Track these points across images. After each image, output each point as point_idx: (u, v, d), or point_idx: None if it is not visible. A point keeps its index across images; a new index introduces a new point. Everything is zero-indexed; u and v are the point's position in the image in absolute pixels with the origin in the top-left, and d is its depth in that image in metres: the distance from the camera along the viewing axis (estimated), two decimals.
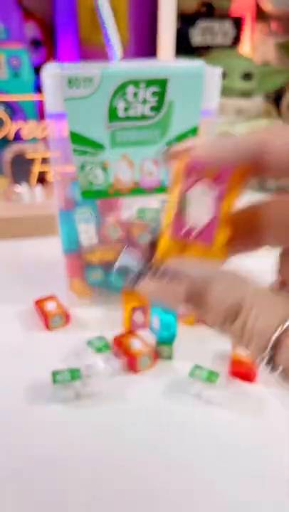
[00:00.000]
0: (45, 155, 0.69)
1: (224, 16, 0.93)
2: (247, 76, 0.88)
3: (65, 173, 0.44)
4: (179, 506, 0.31)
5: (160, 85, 0.41)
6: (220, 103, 0.44)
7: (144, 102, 0.41)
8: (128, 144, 0.43)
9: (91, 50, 0.83)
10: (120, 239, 0.48)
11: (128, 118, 0.42)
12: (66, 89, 0.39)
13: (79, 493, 0.32)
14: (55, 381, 0.38)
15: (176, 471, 0.33)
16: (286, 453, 0.35)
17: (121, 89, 0.40)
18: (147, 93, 0.41)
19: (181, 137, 0.44)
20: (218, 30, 0.92)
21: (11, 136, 0.70)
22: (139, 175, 0.45)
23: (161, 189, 0.45)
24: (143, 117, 0.42)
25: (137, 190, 0.45)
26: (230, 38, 0.94)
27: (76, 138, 0.42)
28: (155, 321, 0.45)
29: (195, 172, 0.18)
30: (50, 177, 0.71)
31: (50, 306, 0.48)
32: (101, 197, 0.45)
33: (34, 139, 0.70)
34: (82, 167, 0.43)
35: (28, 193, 0.70)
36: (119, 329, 0.46)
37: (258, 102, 0.92)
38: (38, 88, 0.69)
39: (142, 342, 0.43)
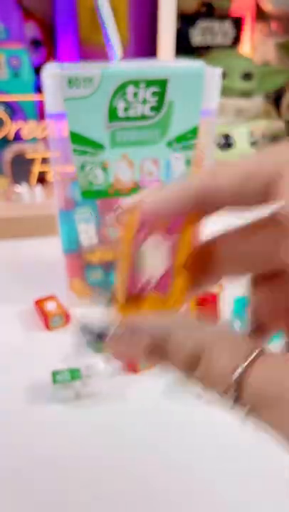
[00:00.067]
0: (45, 155, 0.69)
1: (224, 15, 0.93)
2: (247, 76, 0.88)
3: (65, 173, 0.44)
4: (179, 506, 0.31)
5: (160, 85, 0.41)
6: (220, 103, 0.44)
7: (144, 102, 0.41)
8: (128, 144, 0.43)
9: (91, 50, 0.83)
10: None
11: (128, 118, 0.42)
12: (66, 89, 0.39)
13: (79, 493, 0.32)
14: (55, 381, 0.38)
15: (176, 471, 0.33)
16: (286, 453, 0.35)
17: (121, 90, 0.40)
18: (147, 93, 0.41)
19: (181, 137, 0.44)
20: (218, 30, 0.92)
21: (11, 136, 0.70)
22: (139, 175, 0.45)
23: None
24: (143, 117, 0.42)
25: (137, 190, 0.45)
26: (230, 38, 0.94)
27: (76, 138, 0.42)
28: None
29: (146, 227, 0.18)
30: (50, 177, 0.71)
31: (50, 306, 0.48)
32: (101, 197, 0.45)
33: (34, 139, 0.70)
34: (82, 167, 0.43)
35: (28, 193, 0.70)
36: None
37: (257, 102, 0.92)
38: (38, 88, 0.69)
39: None
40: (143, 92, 0.41)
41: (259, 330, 0.20)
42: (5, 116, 0.69)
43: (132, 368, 0.42)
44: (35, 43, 0.84)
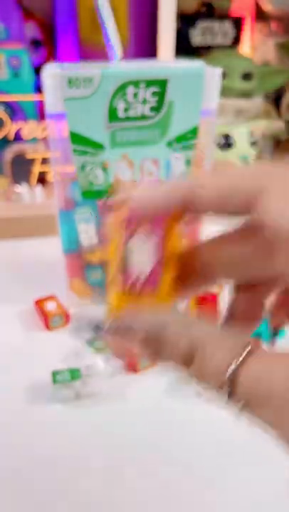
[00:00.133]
0: (45, 155, 0.69)
1: (224, 16, 0.93)
2: (247, 76, 0.88)
3: (65, 173, 0.44)
4: (179, 505, 0.31)
5: (160, 85, 0.41)
6: (220, 103, 0.44)
7: (144, 102, 0.41)
8: (128, 144, 0.43)
9: (91, 50, 0.83)
10: None
11: (128, 118, 0.42)
12: (66, 89, 0.39)
13: (79, 493, 0.32)
14: (55, 381, 0.38)
15: (176, 470, 0.33)
16: (285, 452, 0.35)
17: (121, 90, 0.40)
18: (147, 93, 0.41)
19: (181, 137, 0.44)
20: (218, 30, 0.92)
21: (11, 136, 0.70)
22: (139, 175, 0.45)
23: None
24: (143, 117, 0.42)
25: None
26: (230, 38, 0.94)
27: (76, 138, 0.42)
28: None
29: (132, 223, 0.19)
30: (50, 177, 0.71)
31: (50, 306, 0.48)
32: (101, 197, 0.45)
33: (34, 139, 0.70)
34: (83, 167, 0.43)
35: (28, 193, 0.70)
36: None
37: (257, 102, 0.92)
38: (38, 88, 0.69)
39: None
40: (143, 92, 0.41)
41: (236, 322, 0.21)
42: (5, 117, 0.69)
43: (132, 367, 0.42)
44: (35, 43, 0.84)
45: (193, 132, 0.44)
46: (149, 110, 0.42)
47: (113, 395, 0.39)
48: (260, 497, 0.32)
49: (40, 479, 0.32)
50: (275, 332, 0.22)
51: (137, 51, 0.83)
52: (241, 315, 0.21)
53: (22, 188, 0.70)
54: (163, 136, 0.43)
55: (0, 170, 0.71)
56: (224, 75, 0.84)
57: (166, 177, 0.45)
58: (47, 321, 0.47)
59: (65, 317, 0.48)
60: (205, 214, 0.19)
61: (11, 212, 0.67)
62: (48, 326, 0.47)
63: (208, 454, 0.35)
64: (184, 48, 0.89)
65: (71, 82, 0.39)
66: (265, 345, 0.16)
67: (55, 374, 0.38)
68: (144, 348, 0.18)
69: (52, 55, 0.85)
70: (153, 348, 0.18)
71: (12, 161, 0.69)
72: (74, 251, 0.48)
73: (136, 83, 0.40)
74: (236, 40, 0.95)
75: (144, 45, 0.83)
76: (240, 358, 0.15)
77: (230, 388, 0.16)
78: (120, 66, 0.43)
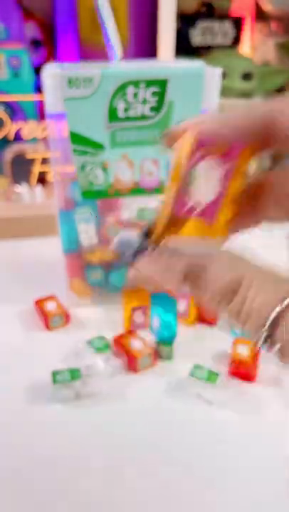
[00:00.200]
0: (45, 155, 0.69)
1: (224, 16, 0.93)
2: (247, 76, 0.88)
3: (65, 173, 0.44)
4: (179, 505, 0.31)
5: (160, 85, 0.41)
6: (220, 103, 0.44)
7: (144, 102, 0.41)
8: (128, 144, 0.43)
9: (91, 50, 0.83)
10: None
11: (128, 118, 0.42)
12: (66, 89, 0.39)
13: (79, 493, 0.32)
14: (55, 381, 0.38)
15: (176, 470, 0.33)
16: (286, 453, 0.35)
17: (121, 90, 0.40)
18: (147, 93, 0.41)
19: None
20: (218, 30, 0.92)
21: (11, 136, 0.70)
22: (139, 175, 0.45)
23: (161, 189, 0.45)
24: (143, 117, 0.42)
25: (137, 190, 0.45)
26: (230, 38, 0.94)
27: (76, 138, 0.42)
28: (155, 321, 0.45)
29: (203, 147, 0.17)
30: (50, 177, 0.71)
31: (50, 306, 0.48)
32: (101, 197, 0.45)
33: (34, 139, 0.70)
34: (83, 167, 0.43)
35: (28, 193, 0.70)
36: (119, 329, 0.46)
37: None
38: (38, 88, 0.69)
39: (142, 342, 0.43)
40: (143, 92, 0.41)
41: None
42: (5, 117, 0.69)
43: (132, 367, 0.42)
44: (35, 43, 0.84)
45: None
46: (149, 110, 0.42)
47: (113, 395, 0.39)
48: (260, 497, 0.32)
49: (40, 479, 0.32)
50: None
51: (137, 51, 0.83)
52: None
53: (22, 188, 0.70)
54: None
55: (0, 170, 0.71)
56: (224, 75, 0.84)
57: (166, 177, 0.45)
58: (47, 321, 0.47)
59: (65, 317, 0.48)
60: (284, 145, 0.17)
61: (11, 212, 0.67)
62: (48, 326, 0.47)
63: (208, 454, 0.35)
64: (184, 47, 0.89)
65: (71, 82, 0.39)
66: None
67: (55, 374, 0.38)
68: (184, 279, 0.17)
69: (52, 55, 0.85)
70: (193, 280, 0.17)
71: (12, 161, 0.69)
72: (74, 251, 0.48)
73: (136, 83, 0.40)
74: (236, 40, 0.95)
75: (144, 45, 0.83)
76: (285, 303, 0.15)
77: (270, 330, 0.15)
78: (120, 66, 0.43)
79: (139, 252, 0.18)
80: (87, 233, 0.47)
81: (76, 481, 0.32)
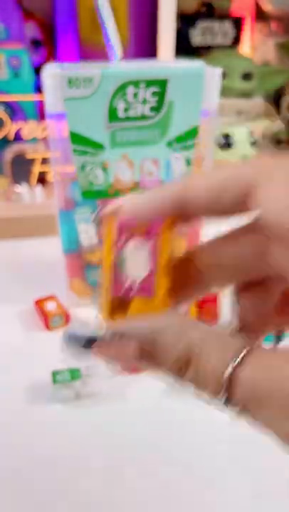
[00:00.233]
0: (45, 155, 0.69)
1: (224, 15, 0.93)
2: (247, 76, 0.88)
3: (65, 173, 0.44)
4: (179, 505, 0.31)
5: (160, 85, 0.41)
6: (220, 103, 0.44)
7: (144, 102, 0.41)
8: (128, 144, 0.43)
9: (91, 50, 0.83)
10: None
11: (128, 118, 0.42)
12: (66, 89, 0.39)
13: (79, 493, 0.32)
14: (55, 381, 0.38)
15: (176, 470, 0.33)
16: (285, 452, 0.35)
17: (121, 90, 0.40)
18: (147, 93, 0.41)
19: (181, 137, 0.44)
20: (218, 30, 0.92)
21: (11, 136, 0.70)
22: (139, 175, 0.45)
23: None
24: (143, 117, 0.42)
25: (137, 190, 0.45)
26: (230, 38, 0.94)
27: (76, 138, 0.42)
28: None
29: (126, 231, 0.19)
30: (50, 177, 0.71)
31: (50, 306, 0.48)
32: (101, 197, 0.45)
33: (34, 139, 0.70)
34: (83, 167, 0.43)
35: (28, 193, 0.70)
36: None
37: (257, 102, 0.92)
38: (38, 88, 0.69)
39: None
40: (143, 92, 0.41)
41: (248, 333, 0.20)
42: (5, 117, 0.69)
43: (132, 368, 0.42)
44: (35, 43, 0.84)
45: (194, 132, 0.44)
46: (149, 110, 0.42)
47: (113, 395, 0.39)
48: (260, 497, 0.32)
49: (40, 479, 0.32)
50: (278, 336, 0.22)
51: (137, 51, 0.83)
52: (252, 321, 0.20)
53: (22, 188, 0.70)
54: (163, 136, 0.43)
55: (0, 170, 0.71)
56: (224, 75, 0.84)
57: (166, 177, 0.45)
58: (47, 321, 0.47)
59: (65, 317, 0.48)
60: (199, 217, 0.18)
61: (11, 212, 0.67)
62: (48, 326, 0.47)
63: (208, 454, 0.35)
64: (184, 47, 0.89)
65: (71, 82, 0.39)
66: (265, 346, 0.16)
67: (55, 374, 0.38)
68: (140, 356, 0.18)
69: (52, 55, 0.85)
70: (148, 355, 0.17)
71: (12, 161, 0.69)
72: (74, 251, 0.48)
73: (136, 83, 0.40)
74: (236, 40, 0.95)
75: (144, 45, 0.83)
76: (238, 359, 0.15)
77: (228, 393, 0.15)
78: (120, 66, 0.43)
79: (89, 342, 0.19)
80: (87, 233, 0.47)
81: (76, 481, 0.32)
